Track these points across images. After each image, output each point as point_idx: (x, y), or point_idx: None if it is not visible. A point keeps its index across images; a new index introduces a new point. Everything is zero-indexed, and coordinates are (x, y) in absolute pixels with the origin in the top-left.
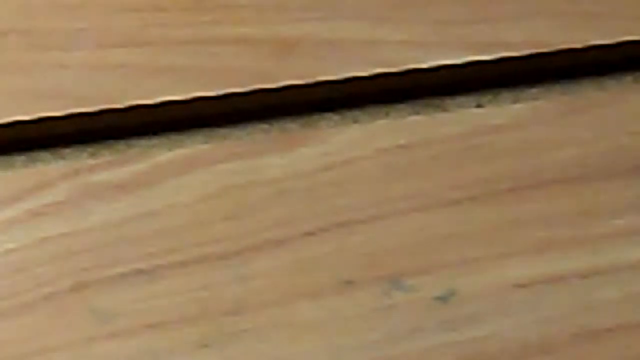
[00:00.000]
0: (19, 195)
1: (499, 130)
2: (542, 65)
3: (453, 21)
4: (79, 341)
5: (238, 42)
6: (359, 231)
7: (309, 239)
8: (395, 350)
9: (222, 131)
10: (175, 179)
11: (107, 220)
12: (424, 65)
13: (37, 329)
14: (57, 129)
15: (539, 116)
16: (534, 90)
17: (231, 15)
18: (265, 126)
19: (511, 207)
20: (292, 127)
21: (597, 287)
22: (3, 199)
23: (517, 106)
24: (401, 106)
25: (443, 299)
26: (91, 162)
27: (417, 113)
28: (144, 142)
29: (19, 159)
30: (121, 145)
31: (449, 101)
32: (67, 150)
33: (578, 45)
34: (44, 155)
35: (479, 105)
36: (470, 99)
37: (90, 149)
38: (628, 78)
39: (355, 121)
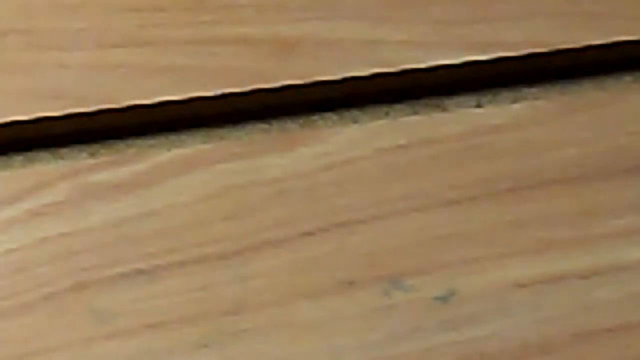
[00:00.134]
0: (18, 195)
1: (498, 130)
2: (541, 65)
3: (453, 21)
4: (79, 341)
5: (238, 42)
6: (358, 231)
7: (308, 239)
8: (395, 350)
9: (222, 131)
10: (175, 179)
11: (106, 220)
12: (424, 65)
13: (37, 329)
14: (57, 129)
15: (538, 116)
16: (533, 90)
17: (231, 16)
18: (264, 126)
19: (511, 207)
20: (291, 127)
21: (597, 287)
22: (2, 199)
23: (517, 106)
24: (401, 106)
25: (443, 299)
26: (90, 162)
27: (417, 113)
28: (143, 142)
29: (19, 159)
30: (120, 145)
31: (448, 101)
32: (66, 150)
33: (577, 45)
34: (44, 155)
35: (478, 105)
36: (470, 99)
37: (89, 149)
38: (627, 78)
39: (355, 121)
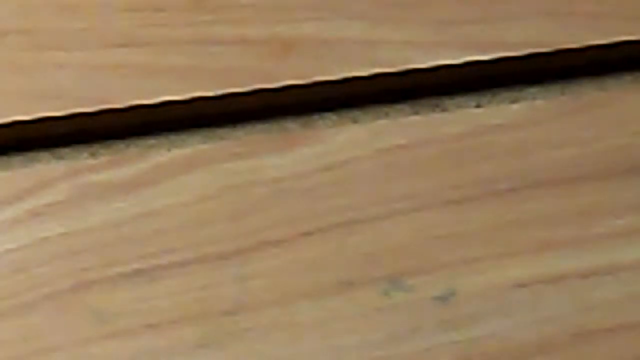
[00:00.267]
0: (18, 195)
1: (498, 130)
2: (541, 65)
3: (453, 21)
4: (79, 341)
5: (238, 42)
6: (358, 231)
7: (308, 239)
8: (395, 350)
9: (222, 131)
10: (175, 179)
11: (106, 220)
12: (424, 65)
13: (37, 329)
14: (57, 129)
15: (538, 116)
16: (533, 90)
17: (231, 16)
18: (265, 126)
19: (511, 207)
20: (291, 127)
21: (596, 287)
22: (3, 199)
23: (517, 106)
24: (401, 106)
25: (443, 298)
26: (91, 162)
27: (417, 113)
28: (143, 142)
29: (19, 159)
30: (121, 145)
31: (448, 101)
32: (66, 150)
33: (577, 45)
34: (44, 155)
35: (478, 105)
36: (470, 99)
37: (89, 149)
38: (627, 78)
39: (355, 121)
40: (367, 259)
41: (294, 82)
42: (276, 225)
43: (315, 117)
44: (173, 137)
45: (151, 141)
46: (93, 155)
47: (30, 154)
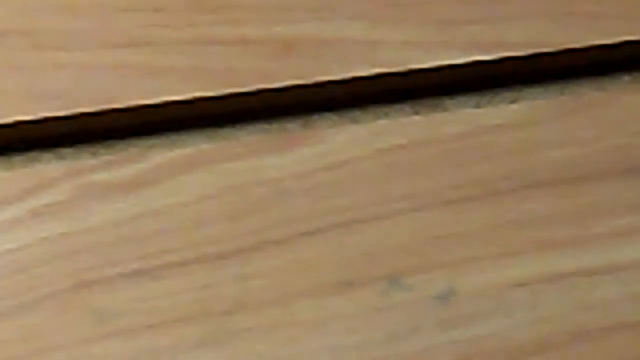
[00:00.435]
0: (19, 195)
1: (498, 130)
2: (541, 65)
3: (453, 21)
4: (79, 341)
5: (238, 43)
6: (358, 231)
7: (308, 239)
8: (394, 349)
9: (222, 131)
10: (175, 179)
11: (107, 220)
12: (424, 65)
13: (37, 329)
14: (58, 129)
15: (538, 116)
16: (533, 90)
17: (231, 16)
18: (265, 126)
19: (511, 206)
20: (292, 127)
21: (596, 286)
22: (3, 199)
23: (517, 106)
24: (401, 106)
25: (442, 298)
26: (91, 162)
27: (417, 113)
28: (144, 142)
29: (20, 159)
30: (121, 145)
31: (448, 101)
32: (67, 150)
33: (577, 46)
34: (44, 155)
35: (478, 105)
36: (470, 99)
37: (90, 149)
38: (627, 78)
39: (355, 121)
40: (367, 258)
41: (294, 82)
42: (276, 225)
43: (316, 117)
44: (173, 137)
45: (152, 141)
46: (94, 155)
47: (31, 154)
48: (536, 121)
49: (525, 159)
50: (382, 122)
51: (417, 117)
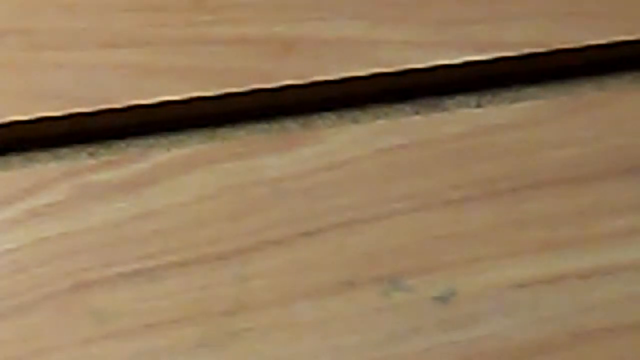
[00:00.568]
0: (17, 195)
1: (498, 130)
2: (541, 65)
3: (453, 21)
4: (78, 341)
5: (238, 42)
6: (358, 231)
7: (308, 239)
8: (395, 350)
9: (222, 131)
10: (175, 179)
11: (106, 220)
12: (424, 65)
13: (36, 329)
14: (56, 129)
15: (538, 116)
16: (533, 90)
17: (231, 15)
18: (264, 126)
19: (511, 207)
20: (291, 127)
21: (597, 287)
22: (2, 199)
23: (517, 106)
24: (401, 106)
25: (443, 299)
26: (90, 162)
27: (417, 113)
28: (143, 142)
29: (18, 159)
30: (120, 145)
31: (448, 101)
32: (66, 150)
33: (577, 45)
34: (43, 155)
35: (478, 105)
36: (470, 99)
37: (89, 149)
38: (627, 78)
39: (355, 121)
40: (367, 259)
41: (294, 82)
42: (276, 225)
43: (315, 117)
44: (173, 137)
45: (151, 141)
46: (92, 155)
47: (30, 154)
48: (537, 121)
49: (526, 159)
50: (382, 122)
51: (417, 117)
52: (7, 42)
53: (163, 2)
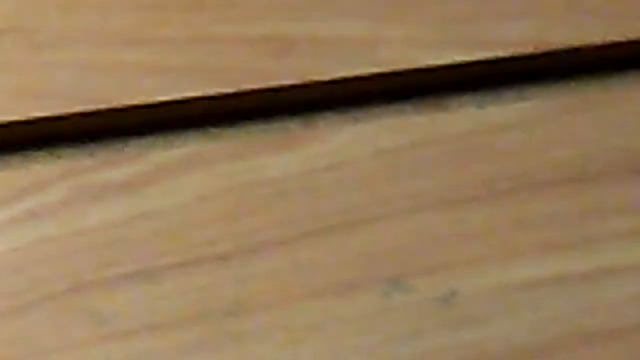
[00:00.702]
0: (16, 195)
1: (500, 130)
2: (543, 64)
3: (454, 20)
4: (78, 342)
5: (237, 42)
6: (359, 231)
7: (309, 239)
8: (396, 351)
9: (222, 131)
10: (175, 179)
11: (105, 220)
12: (425, 65)
13: (35, 330)
14: (55, 129)
15: (540, 116)
16: (534, 90)
17: (230, 14)
18: (264, 126)
19: (512, 207)
20: (292, 127)
21: (598, 288)
22: (1, 199)
23: (519, 106)
24: (401, 106)
25: (444, 299)
26: (89, 162)
27: (418, 113)
28: (142, 142)
29: (16, 158)
30: (120, 145)
31: (449, 101)
32: (65, 150)
33: (580, 44)
34: (42, 155)
35: (480, 105)
36: (471, 99)
37: (88, 149)
38: (629, 78)
39: (356, 121)
40: (367, 259)
41: (294, 81)
42: (276, 225)
43: (316, 116)
44: (172, 137)
45: (150, 141)
46: (91, 155)
47: (28, 154)
48: (537, 121)
49: (529, 159)
50: (383, 122)
51: (418, 117)
52: (6, 41)
53: (163, 1)
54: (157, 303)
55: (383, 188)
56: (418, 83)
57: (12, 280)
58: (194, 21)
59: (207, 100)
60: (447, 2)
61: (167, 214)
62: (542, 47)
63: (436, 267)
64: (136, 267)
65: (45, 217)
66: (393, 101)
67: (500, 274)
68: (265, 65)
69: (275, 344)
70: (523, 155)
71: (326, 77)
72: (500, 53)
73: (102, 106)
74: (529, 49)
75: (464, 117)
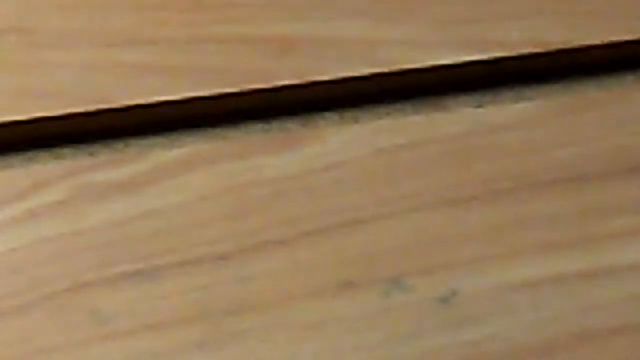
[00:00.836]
0: (17, 195)
1: (499, 130)
2: (542, 64)
3: (453, 20)
4: (78, 341)
5: (237, 42)
6: (359, 231)
7: (309, 239)
8: (395, 351)
9: (222, 131)
10: (175, 179)
11: (105, 220)
12: (424, 65)
13: (36, 330)
14: (56, 129)
15: (539, 116)
16: (534, 90)
17: (231, 15)
18: (265, 126)
19: (511, 207)
20: (291, 127)
21: (598, 287)
22: (1, 199)
23: (518, 106)
24: (401, 106)
25: (444, 299)
26: (90, 162)
27: (417, 113)
28: (143, 142)
29: (17, 158)
30: (120, 145)
31: (449, 101)
32: (65, 150)
33: (578, 45)
34: (43, 155)
35: (479, 105)
36: (471, 99)
37: (89, 149)
38: (629, 77)
39: (355, 121)
40: (367, 259)
41: (294, 81)
42: (276, 225)
43: (316, 116)
44: (173, 137)
45: (151, 141)
46: (92, 155)
47: (29, 154)
48: (538, 121)
49: (528, 159)
50: (383, 122)
51: (417, 117)
52: (7, 41)
53: (163, 2)
54: (157, 302)
55: (382, 188)
56: (417, 83)
57: (13, 280)
58: (194, 21)
59: (207, 100)
60: (447, 3)
61: (167, 214)
62: (542, 47)
63: (436, 266)
64: (136, 267)
65: (46, 217)
66: (392, 101)
67: (500, 273)
68: (265, 65)
69: (276, 343)
70: (522, 155)
71: (326, 77)
72: (500, 53)
73: (103, 106)
74: (529, 49)
75: (463, 117)
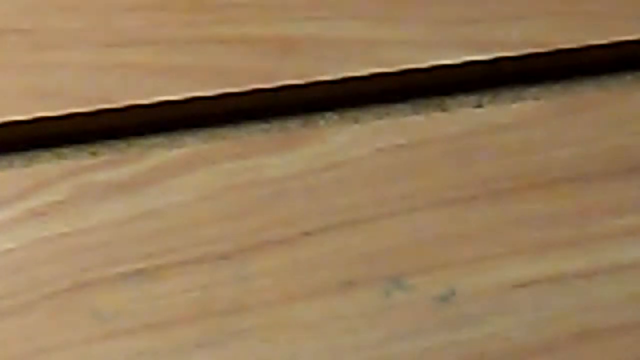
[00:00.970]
0: (18, 195)
1: (499, 130)
2: (542, 65)
3: (453, 21)
4: (79, 341)
5: (238, 42)
6: (359, 231)
7: (309, 239)
8: (395, 350)
9: (222, 131)
10: (175, 179)
11: (106, 220)
12: (424, 65)
13: (37, 329)
14: (57, 129)
15: (539, 116)
16: (533, 90)
17: (231, 15)
18: (265, 126)
19: (511, 207)
20: (292, 126)
21: (597, 287)
22: (3, 199)
23: (517, 106)
24: (401, 106)
25: (443, 298)
26: (91, 161)
27: (417, 113)
28: (143, 142)
29: (19, 158)
30: (121, 145)
31: (449, 101)
32: (66, 150)
33: (578, 45)
34: (44, 155)
35: (479, 105)
36: (470, 99)
37: (90, 149)
38: (628, 77)
39: (355, 121)
40: (367, 259)
41: (295, 81)
42: (276, 225)
43: (316, 116)
44: (173, 137)
45: (151, 141)
46: (93, 155)
47: (30, 154)
48: (537, 121)
49: (527, 159)
50: (383, 122)
51: (417, 117)
52: (8, 42)
53: (163, 2)
54: (158, 302)
55: (382, 188)
56: (417, 83)
57: (15, 279)
58: (194, 21)
59: (207, 100)
60: (447, 3)
61: (168, 214)
62: (542, 47)
63: (436, 266)
64: (137, 266)
65: (47, 217)
66: (392, 101)
67: (500, 273)
68: (266, 66)
69: (276, 342)
70: (522, 155)
71: (326, 78)
72: (499, 54)
73: (104, 106)
74: (529, 49)
75: (463, 117)
